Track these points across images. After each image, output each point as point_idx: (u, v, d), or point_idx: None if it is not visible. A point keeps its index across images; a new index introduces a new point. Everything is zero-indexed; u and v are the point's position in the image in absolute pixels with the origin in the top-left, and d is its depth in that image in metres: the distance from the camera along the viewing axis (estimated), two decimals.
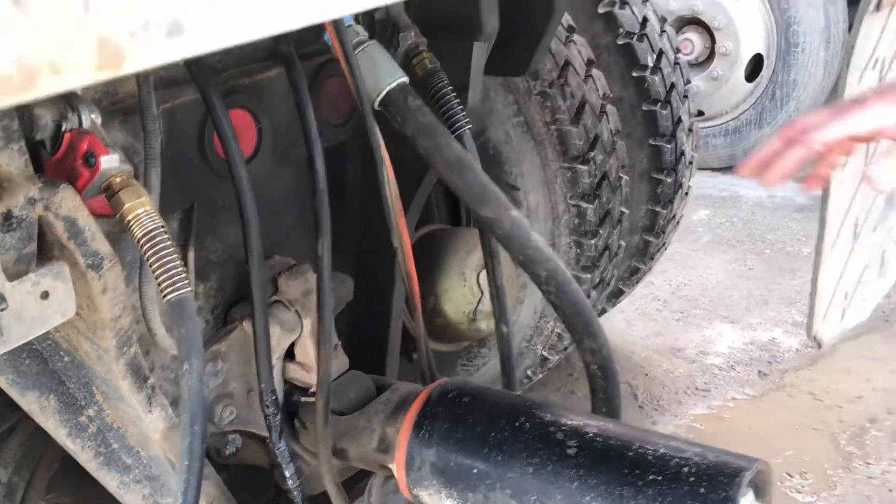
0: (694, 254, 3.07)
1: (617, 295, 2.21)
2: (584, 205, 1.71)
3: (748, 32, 3.44)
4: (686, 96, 2.05)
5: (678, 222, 2.18)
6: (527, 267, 1.03)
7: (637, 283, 2.23)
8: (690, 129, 2.07)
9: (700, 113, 3.71)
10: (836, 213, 1.43)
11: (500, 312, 1.13)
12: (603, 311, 2.29)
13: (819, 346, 1.56)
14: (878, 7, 1.25)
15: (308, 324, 1.01)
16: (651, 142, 1.97)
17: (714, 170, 3.71)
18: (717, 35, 3.48)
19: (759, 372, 2.33)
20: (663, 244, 2.17)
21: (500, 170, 1.69)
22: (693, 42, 3.54)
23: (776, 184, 0.89)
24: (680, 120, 2.01)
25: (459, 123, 1.06)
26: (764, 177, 0.90)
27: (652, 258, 2.16)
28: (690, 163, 2.10)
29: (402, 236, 0.99)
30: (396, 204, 0.97)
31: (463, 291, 1.48)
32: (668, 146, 1.98)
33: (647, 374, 2.34)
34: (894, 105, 0.84)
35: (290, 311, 1.01)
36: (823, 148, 0.86)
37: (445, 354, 1.76)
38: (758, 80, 3.50)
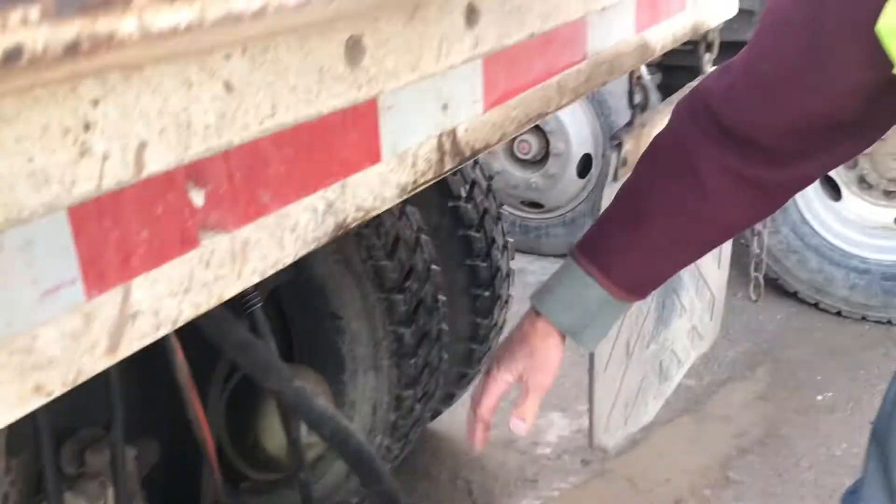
0: None
1: (450, 398, 2.41)
2: (402, 329, 1.89)
3: (577, 135, 3.78)
4: (499, 218, 2.29)
5: (501, 328, 2.40)
6: (313, 428, 1.19)
7: (468, 385, 2.43)
8: (505, 247, 2.31)
9: (540, 206, 4.01)
10: (604, 341, 1.66)
11: (297, 463, 1.29)
12: (438, 413, 2.47)
13: (604, 452, 1.78)
14: (615, 177, 1.50)
15: (112, 492, 1.13)
16: (468, 262, 2.19)
17: (556, 257, 4.00)
18: (550, 137, 3.81)
19: (583, 460, 2.55)
20: (488, 349, 2.38)
21: (324, 302, 1.85)
22: (530, 143, 3.85)
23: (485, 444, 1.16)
24: (494, 240, 2.24)
25: (251, 302, 1.22)
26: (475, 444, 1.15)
27: (479, 362, 2.37)
28: (507, 276, 2.33)
29: (196, 411, 1.13)
30: (189, 384, 1.11)
31: (279, 428, 1.62)
32: (484, 264, 2.21)
33: (482, 468, 2.53)
34: (508, 372, 1.11)
35: (94, 482, 1.13)
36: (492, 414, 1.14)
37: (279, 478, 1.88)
38: (588, 176, 3.84)
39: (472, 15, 0.84)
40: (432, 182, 0.85)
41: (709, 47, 1.89)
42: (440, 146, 0.85)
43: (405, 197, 0.81)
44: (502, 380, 1.11)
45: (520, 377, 1.11)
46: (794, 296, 3.46)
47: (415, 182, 0.81)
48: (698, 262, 2.02)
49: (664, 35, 1.47)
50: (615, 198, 1.12)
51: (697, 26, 1.67)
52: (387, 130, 0.75)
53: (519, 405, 1.12)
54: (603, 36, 1.21)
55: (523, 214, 4.05)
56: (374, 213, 0.76)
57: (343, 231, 0.72)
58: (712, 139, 1.02)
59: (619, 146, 1.48)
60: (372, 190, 0.75)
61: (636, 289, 1.12)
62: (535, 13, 0.98)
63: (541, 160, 3.90)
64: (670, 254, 1.11)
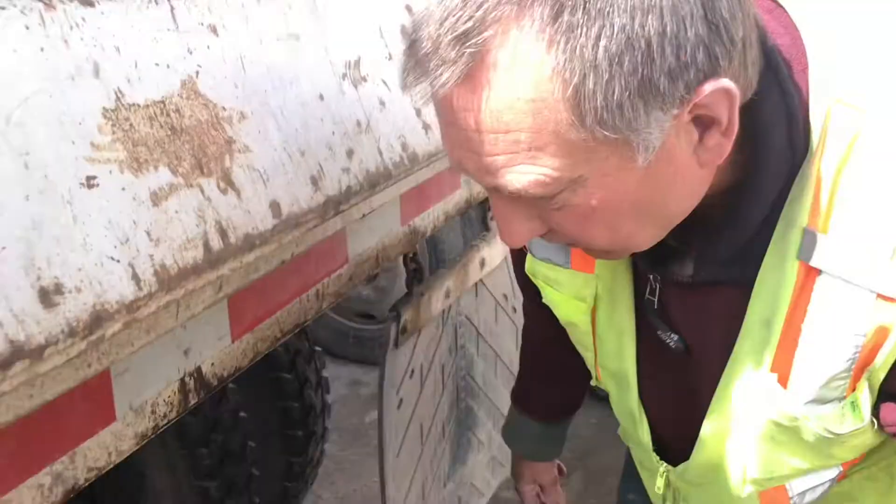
0: (362, 460, 3.37)
1: None
2: (207, 483, 1.92)
3: None
4: (312, 356, 2.38)
5: (318, 462, 2.46)
6: None
7: None
8: (319, 384, 2.39)
9: (372, 317, 4.14)
10: (398, 480, 1.76)
11: None
12: None
13: None
14: (396, 345, 1.63)
15: None
16: (280, 403, 2.26)
17: None
18: None
19: None
20: (305, 483, 2.43)
21: (126, 460, 1.86)
22: None
23: None
24: (307, 379, 2.32)
25: None
26: None
27: (296, 497, 2.42)
28: (322, 412, 2.41)
29: None
30: None
31: None
32: (296, 404, 2.28)
33: None
34: (526, 484, 1.59)
35: None
36: None
37: None
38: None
39: None
40: (177, 419, 0.94)
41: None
42: (183, 387, 0.94)
43: (146, 441, 0.89)
44: (528, 490, 1.59)
45: (534, 481, 1.58)
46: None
47: (155, 426, 0.90)
48: (492, 397, 2.18)
49: (436, 216, 1.64)
50: (521, 358, 1.55)
51: (473, 198, 1.85)
52: (121, 392, 0.84)
53: (547, 498, 1.60)
54: (365, 238, 1.35)
55: (357, 326, 4.16)
56: (110, 467, 0.84)
57: (76, 492, 0.79)
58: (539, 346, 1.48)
59: (397, 317, 1.62)
60: (106, 448, 0.83)
61: (564, 413, 1.50)
62: (287, 243, 1.10)
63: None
64: (571, 387, 1.46)
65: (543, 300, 1.12)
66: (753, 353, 0.85)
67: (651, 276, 0.93)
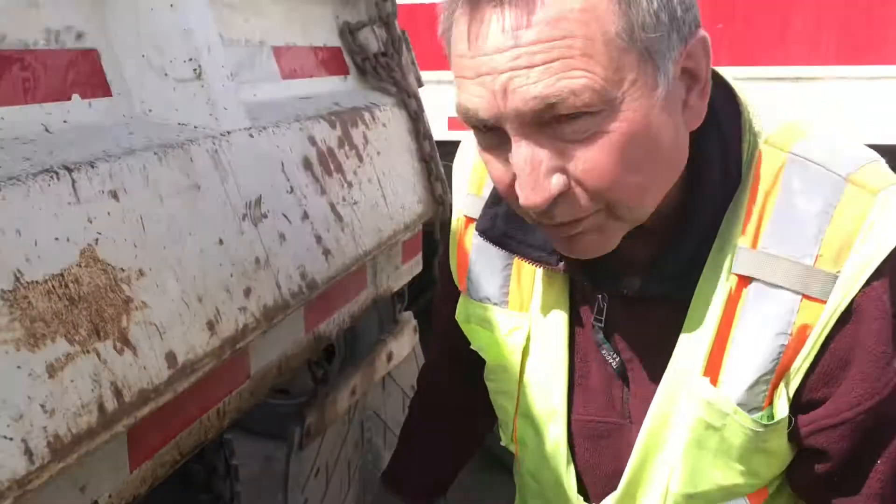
0: None
1: None
2: None
3: None
4: (221, 445, 2.37)
5: None
6: None
7: None
8: (228, 473, 2.38)
9: (286, 392, 4.11)
10: None
11: None
12: None
13: None
14: (301, 447, 1.66)
15: None
16: (186, 495, 2.24)
17: None
18: None
19: None
20: None
21: None
22: None
23: None
24: (215, 469, 2.31)
25: None
26: None
27: None
28: (230, 502, 2.39)
29: None
30: None
31: None
32: (204, 496, 2.27)
33: None
34: None
35: None
36: None
37: None
38: (332, 363, 4.02)
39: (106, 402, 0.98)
40: None
41: (400, 298, 2.17)
42: None
43: None
44: None
45: None
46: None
47: None
48: None
49: (341, 320, 1.69)
50: (401, 434, 1.48)
51: (382, 294, 1.92)
52: None
53: None
54: (268, 351, 1.39)
55: (273, 402, 4.12)
56: None
57: None
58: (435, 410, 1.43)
59: (301, 421, 1.65)
60: None
61: (433, 493, 1.43)
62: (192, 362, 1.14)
63: None
64: (447, 463, 1.44)
65: (473, 346, 1.17)
66: (688, 359, 0.95)
67: (599, 297, 1.02)
